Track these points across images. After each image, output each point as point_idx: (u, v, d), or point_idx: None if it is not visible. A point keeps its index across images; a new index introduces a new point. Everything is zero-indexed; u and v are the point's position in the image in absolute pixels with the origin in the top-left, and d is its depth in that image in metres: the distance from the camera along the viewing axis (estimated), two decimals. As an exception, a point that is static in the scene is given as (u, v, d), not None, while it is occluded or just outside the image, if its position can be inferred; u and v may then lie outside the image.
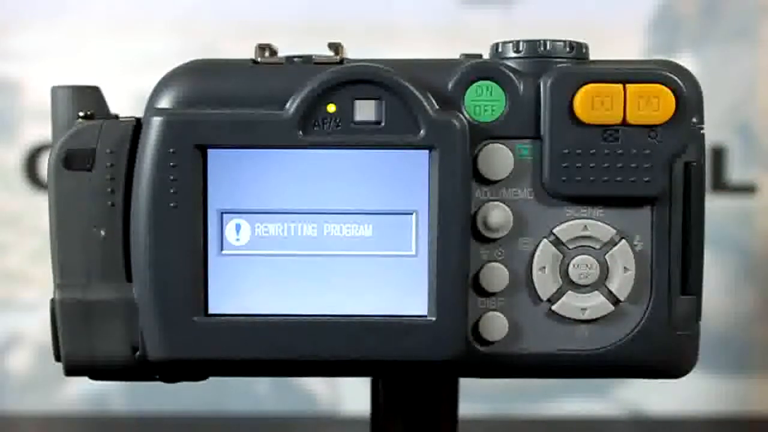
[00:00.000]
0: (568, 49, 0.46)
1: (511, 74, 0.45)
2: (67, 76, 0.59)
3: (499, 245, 0.46)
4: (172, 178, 0.44)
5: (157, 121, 0.44)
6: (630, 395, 0.84)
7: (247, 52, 0.46)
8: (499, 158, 0.45)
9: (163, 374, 0.47)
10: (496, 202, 0.45)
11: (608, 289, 0.46)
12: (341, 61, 0.45)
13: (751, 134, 0.83)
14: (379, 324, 0.45)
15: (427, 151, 0.44)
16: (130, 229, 0.45)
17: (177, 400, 0.83)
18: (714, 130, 0.78)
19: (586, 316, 0.46)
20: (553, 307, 0.46)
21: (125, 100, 0.53)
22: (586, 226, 0.46)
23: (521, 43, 0.46)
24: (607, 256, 0.46)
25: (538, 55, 0.45)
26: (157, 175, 0.44)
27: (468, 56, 0.46)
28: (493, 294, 0.46)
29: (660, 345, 0.46)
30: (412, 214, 0.45)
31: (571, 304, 0.46)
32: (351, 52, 0.46)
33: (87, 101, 0.47)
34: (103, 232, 0.45)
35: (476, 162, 0.45)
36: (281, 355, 0.45)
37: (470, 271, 0.45)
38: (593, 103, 0.45)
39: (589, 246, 0.46)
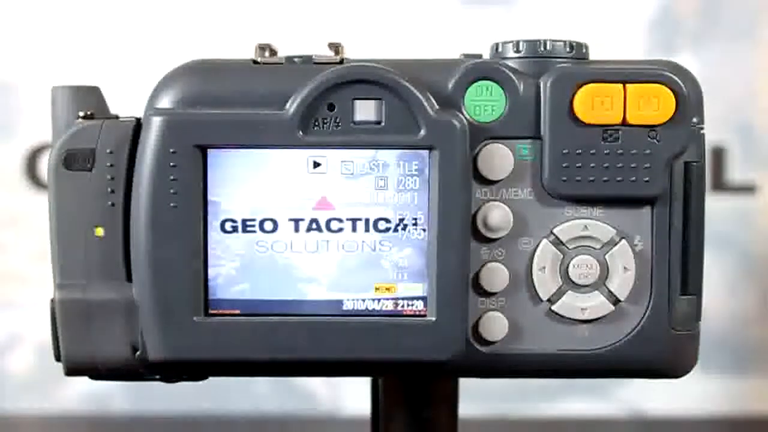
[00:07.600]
0: (568, 49, 0.46)
1: (511, 74, 0.45)
2: (65, 75, 0.59)
3: (499, 245, 0.46)
4: (172, 178, 0.44)
5: (157, 121, 0.44)
6: (630, 395, 0.84)
7: (247, 52, 0.46)
8: (499, 158, 0.45)
9: (163, 374, 0.47)
10: (496, 202, 0.45)
11: (608, 289, 0.46)
12: (341, 61, 0.45)
13: (751, 134, 0.83)
14: (379, 324, 0.45)
15: (427, 151, 0.44)
16: (130, 229, 0.45)
17: (177, 400, 0.83)
18: (714, 130, 0.77)
19: (586, 316, 0.46)
20: (553, 307, 0.46)
21: (124, 100, 0.53)
22: (586, 226, 0.46)
23: (521, 43, 0.46)
24: (607, 256, 0.46)
25: (538, 55, 0.45)
26: (157, 175, 0.44)
27: (468, 56, 0.46)
28: (493, 294, 0.46)
29: (660, 345, 0.46)
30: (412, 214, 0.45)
31: (571, 304, 0.46)
32: (351, 52, 0.46)
33: (87, 101, 0.47)
34: (103, 232, 0.45)
35: (476, 162, 0.45)
36: (281, 355, 0.45)
37: (470, 271, 0.45)
38: (593, 103, 0.45)
39: (589, 246, 0.46)
